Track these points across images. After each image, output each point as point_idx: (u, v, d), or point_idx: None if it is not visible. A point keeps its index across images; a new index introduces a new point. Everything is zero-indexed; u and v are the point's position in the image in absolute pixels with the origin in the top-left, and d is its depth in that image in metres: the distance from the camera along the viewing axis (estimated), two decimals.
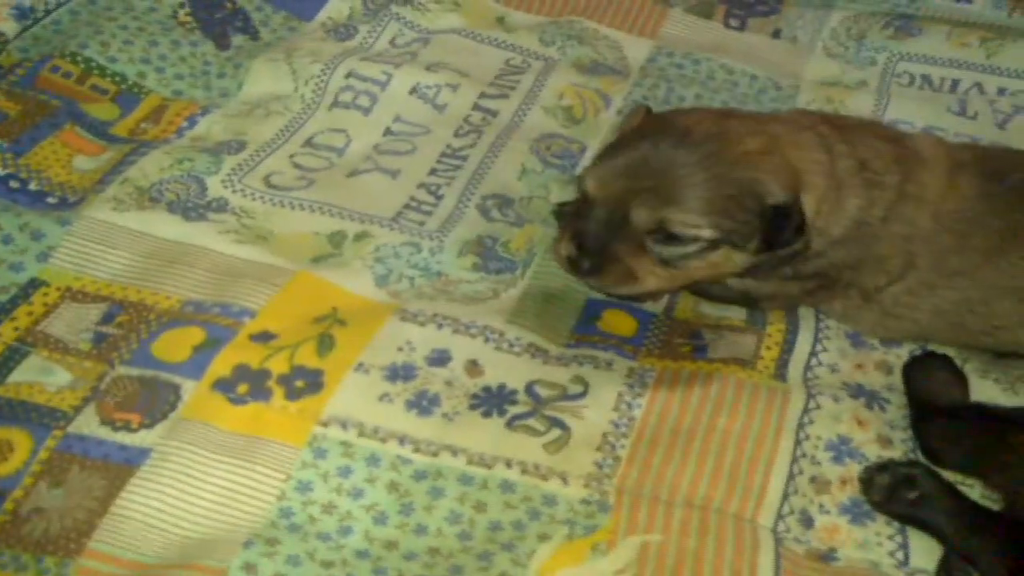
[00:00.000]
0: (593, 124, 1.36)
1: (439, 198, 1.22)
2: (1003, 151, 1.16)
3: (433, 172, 1.26)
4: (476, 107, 1.35)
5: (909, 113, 1.44)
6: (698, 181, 0.92)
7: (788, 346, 1.07)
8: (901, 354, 1.10)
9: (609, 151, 0.98)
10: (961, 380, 1.07)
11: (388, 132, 1.30)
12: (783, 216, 0.94)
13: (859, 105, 1.44)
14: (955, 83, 1.51)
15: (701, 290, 1.09)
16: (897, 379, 1.08)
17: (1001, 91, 1.49)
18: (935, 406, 1.02)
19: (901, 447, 1.00)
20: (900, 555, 0.91)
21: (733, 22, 1.56)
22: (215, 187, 1.17)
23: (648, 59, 1.48)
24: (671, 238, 0.94)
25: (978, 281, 1.01)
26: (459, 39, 1.46)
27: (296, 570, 0.82)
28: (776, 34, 1.56)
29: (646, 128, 0.99)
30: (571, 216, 1.01)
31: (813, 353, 1.08)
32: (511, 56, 1.44)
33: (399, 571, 0.83)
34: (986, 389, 1.07)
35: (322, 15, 1.47)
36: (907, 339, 1.08)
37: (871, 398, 1.04)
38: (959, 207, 1.02)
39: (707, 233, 0.93)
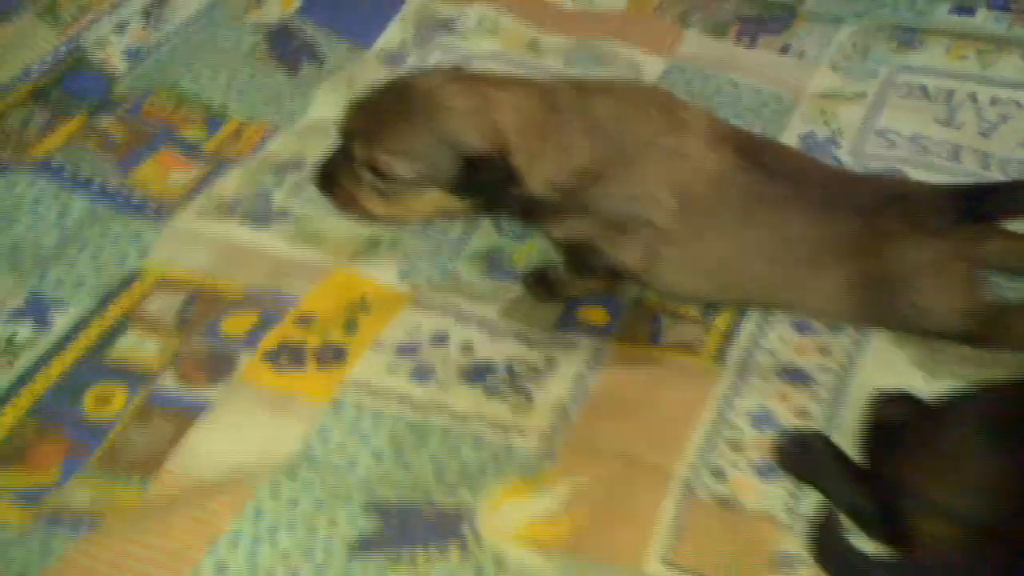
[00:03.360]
0: None
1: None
2: (763, 139, 1.41)
3: None
4: None
5: (898, 123, 1.68)
6: (403, 129, 1.21)
7: (731, 335, 1.36)
8: (841, 339, 1.36)
9: (368, 88, 1.28)
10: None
11: None
12: (478, 166, 1.21)
13: (849, 116, 1.69)
14: (951, 93, 1.73)
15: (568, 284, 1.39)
16: (832, 361, 1.34)
17: (993, 101, 1.71)
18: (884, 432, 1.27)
19: (819, 417, 1.28)
20: (792, 504, 1.19)
21: (744, 39, 1.83)
22: (279, 199, 1.54)
23: (661, 76, 1.77)
24: (379, 173, 1.24)
25: (726, 241, 1.28)
26: (494, 63, 1.78)
27: (308, 493, 1.17)
28: (785, 49, 1.82)
29: (391, 80, 1.28)
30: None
31: (754, 340, 1.36)
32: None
33: (386, 497, 1.17)
34: (911, 377, 1.32)
35: (379, 43, 1.82)
36: (695, 298, 1.36)
37: (799, 377, 1.31)
38: (717, 168, 1.28)
39: (405, 173, 1.23)
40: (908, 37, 1.80)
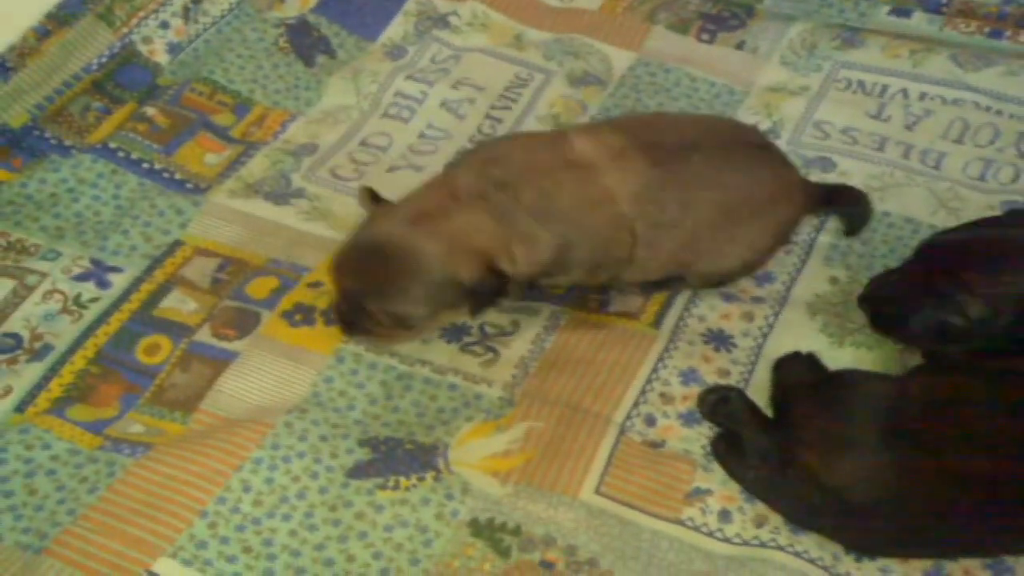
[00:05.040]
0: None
1: None
2: (640, 121, 1.59)
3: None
4: (487, 116, 1.91)
5: (833, 115, 1.89)
6: (404, 285, 1.40)
7: (668, 303, 1.60)
8: (763, 308, 1.60)
9: (343, 247, 1.45)
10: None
11: (422, 136, 1.88)
12: (479, 288, 1.41)
13: (791, 109, 1.90)
14: (884, 88, 1.94)
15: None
16: (754, 326, 1.59)
17: (922, 96, 1.92)
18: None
19: (737, 376, 1.53)
20: (708, 447, 1.44)
21: (705, 36, 2.04)
22: (297, 180, 1.79)
23: (629, 69, 1.99)
24: (399, 320, 1.43)
25: (683, 227, 1.48)
26: (482, 56, 2.01)
27: (315, 428, 1.43)
28: (740, 45, 2.02)
29: (364, 232, 1.44)
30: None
31: (687, 308, 1.60)
32: (520, 70, 1.99)
33: (377, 434, 1.44)
34: (818, 342, 1.57)
35: (383, 37, 2.05)
36: (658, 277, 1.57)
37: (722, 341, 1.56)
38: (643, 183, 1.44)
39: (421, 314, 1.43)
40: (850, 36, 2.00)
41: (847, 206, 1.69)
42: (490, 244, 1.41)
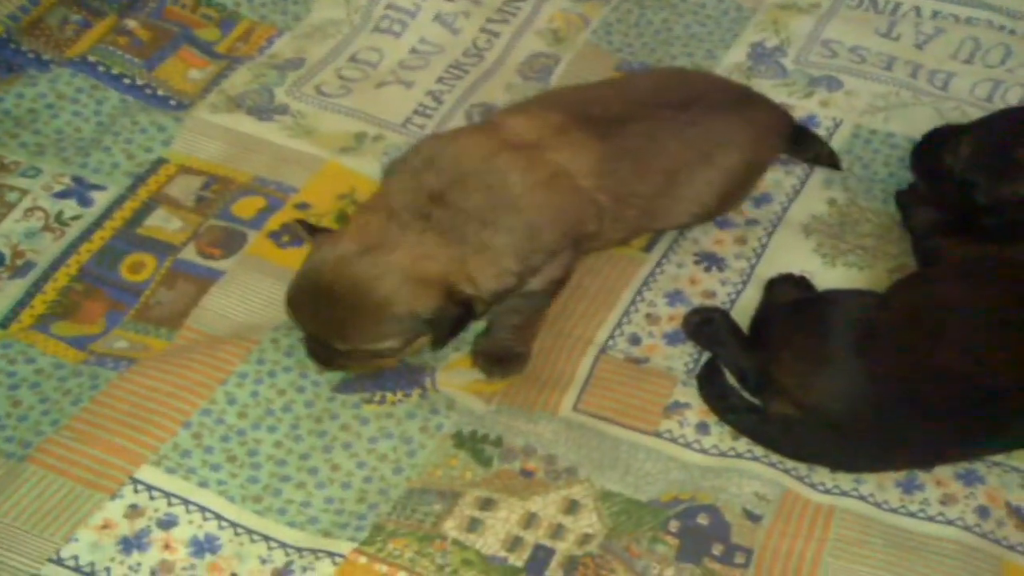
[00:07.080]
0: (572, 42, 2.01)
1: (440, 103, 1.92)
2: (567, 96, 1.68)
3: (440, 80, 1.96)
4: (482, 30, 2.03)
5: (842, 34, 2.01)
6: (366, 322, 1.42)
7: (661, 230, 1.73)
8: (757, 230, 1.73)
9: (295, 289, 1.47)
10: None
11: (413, 51, 2.00)
12: (441, 317, 1.43)
13: (799, 26, 2.02)
14: (897, 6, 2.05)
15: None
16: (746, 248, 1.72)
17: (934, 14, 2.02)
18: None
19: (724, 298, 1.66)
20: (691, 364, 1.58)
21: None
22: (280, 96, 1.92)
23: None
24: (372, 354, 1.47)
25: (640, 195, 1.60)
26: None
27: (301, 345, 1.57)
28: None
29: (312, 269, 1.45)
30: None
31: (681, 232, 1.73)
32: None
33: None
34: (811, 262, 1.70)
35: None
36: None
37: (712, 262, 1.69)
38: (596, 156, 1.54)
39: (392, 345, 1.45)
40: None
41: (809, 153, 1.81)
42: (443, 269, 1.43)
